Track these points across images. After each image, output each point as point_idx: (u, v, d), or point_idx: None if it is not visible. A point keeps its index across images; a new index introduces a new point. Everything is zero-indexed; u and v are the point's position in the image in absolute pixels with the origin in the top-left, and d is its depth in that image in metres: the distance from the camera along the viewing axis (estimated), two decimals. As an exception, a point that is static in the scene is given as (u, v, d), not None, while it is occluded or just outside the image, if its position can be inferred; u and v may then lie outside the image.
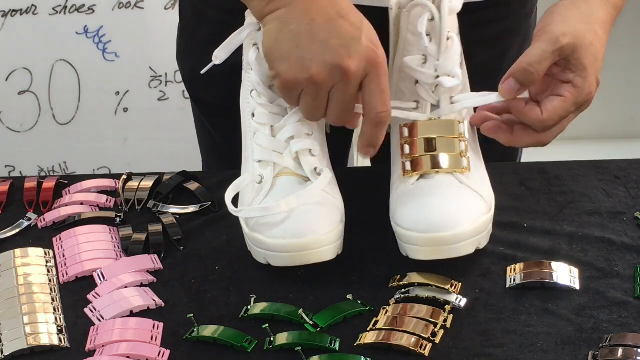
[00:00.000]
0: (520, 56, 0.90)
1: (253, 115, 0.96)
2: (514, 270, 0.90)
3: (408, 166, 0.94)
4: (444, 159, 0.93)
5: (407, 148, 0.94)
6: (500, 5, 1.09)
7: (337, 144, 1.04)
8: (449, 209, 0.90)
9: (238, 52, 0.96)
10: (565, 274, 0.89)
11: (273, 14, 0.86)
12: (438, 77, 0.94)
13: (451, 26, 0.94)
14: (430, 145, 0.94)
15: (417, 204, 0.91)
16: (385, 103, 0.86)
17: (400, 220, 0.92)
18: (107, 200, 1.07)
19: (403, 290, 0.88)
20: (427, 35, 0.92)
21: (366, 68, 0.84)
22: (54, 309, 0.88)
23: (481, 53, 0.93)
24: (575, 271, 0.90)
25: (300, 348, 0.80)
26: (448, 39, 0.93)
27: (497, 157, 0.98)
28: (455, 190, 0.92)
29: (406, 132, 0.95)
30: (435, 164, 0.93)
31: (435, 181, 0.92)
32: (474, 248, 0.91)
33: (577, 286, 0.88)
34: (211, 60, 0.99)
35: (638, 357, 0.77)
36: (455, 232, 0.89)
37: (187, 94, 1.33)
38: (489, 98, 0.93)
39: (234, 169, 1.10)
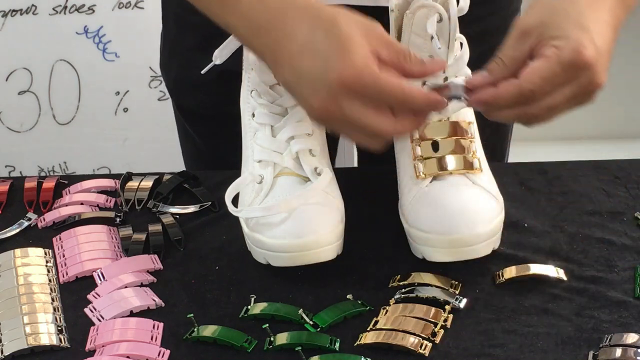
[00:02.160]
0: None
1: (253, 115, 0.96)
2: (501, 275, 0.91)
3: (421, 168, 0.94)
4: (457, 160, 0.93)
5: (418, 150, 0.94)
6: (487, 3, 1.09)
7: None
8: (467, 210, 0.90)
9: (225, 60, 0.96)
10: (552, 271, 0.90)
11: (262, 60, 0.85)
12: (446, 78, 0.94)
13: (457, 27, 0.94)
14: (442, 146, 0.94)
15: (435, 206, 0.91)
16: (392, 93, 0.78)
17: (417, 223, 0.91)
18: (107, 200, 1.07)
19: (403, 290, 0.88)
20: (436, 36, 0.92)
21: (344, 92, 0.77)
22: (54, 309, 0.88)
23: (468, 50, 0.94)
24: (561, 271, 0.91)
25: (300, 348, 0.80)
26: (456, 39, 0.93)
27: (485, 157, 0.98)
28: (471, 191, 0.92)
29: (417, 133, 0.95)
30: (449, 166, 0.93)
31: (449, 182, 0.92)
32: (491, 249, 0.91)
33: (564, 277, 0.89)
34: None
35: (638, 357, 0.77)
36: (476, 233, 0.89)
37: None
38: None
39: (228, 170, 1.10)
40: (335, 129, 0.82)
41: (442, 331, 0.83)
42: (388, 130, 0.80)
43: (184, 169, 1.13)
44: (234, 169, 1.01)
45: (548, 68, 0.80)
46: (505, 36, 1.15)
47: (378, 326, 0.84)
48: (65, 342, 0.84)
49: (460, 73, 0.94)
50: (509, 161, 1.24)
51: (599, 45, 0.80)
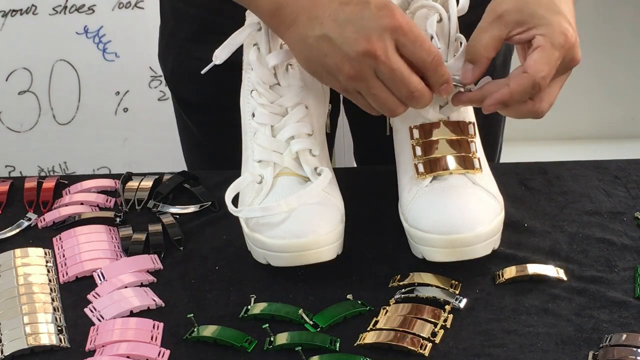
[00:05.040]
0: None
1: (253, 115, 0.96)
2: (501, 275, 0.91)
3: (421, 168, 0.94)
4: (457, 160, 0.93)
5: (418, 150, 0.94)
6: None
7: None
8: (468, 210, 0.90)
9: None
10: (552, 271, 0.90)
11: (287, 32, 0.88)
12: None
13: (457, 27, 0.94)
14: (442, 146, 0.94)
15: (434, 205, 0.91)
16: (429, 50, 0.85)
17: (417, 223, 0.91)
18: (107, 200, 1.07)
19: (403, 290, 0.88)
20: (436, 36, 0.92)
21: (392, 36, 0.84)
22: (54, 309, 0.88)
23: None
24: (561, 271, 0.91)
25: (300, 348, 0.80)
26: (456, 39, 0.93)
27: None
28: (471, 191, 0.92)
29: (417, 133, 0.95)
30: (449, 165, 0.93)
31: (449, 182, 0.92)
32: (492, 249, 0.91)
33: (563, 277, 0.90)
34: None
35: (638, 358, 0.77)
36: (476, 233, 0.89)
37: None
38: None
39: (219, 168, 1.10)
40: (366, 81, 0.85)
41: (442, 331, 0.83)
42: (415, 83, 0.85)
43: (185, 168, 1.13)
44: (233, 167, 1.01)
45: (548, 54, 0.85)
46: None
47: (378, 326, 0.84)
48: (65, 342, 0.84)
49: (459, 72, 0.94)
50: (509, 161, 1.24)
51: (574, 26, 0.87)
